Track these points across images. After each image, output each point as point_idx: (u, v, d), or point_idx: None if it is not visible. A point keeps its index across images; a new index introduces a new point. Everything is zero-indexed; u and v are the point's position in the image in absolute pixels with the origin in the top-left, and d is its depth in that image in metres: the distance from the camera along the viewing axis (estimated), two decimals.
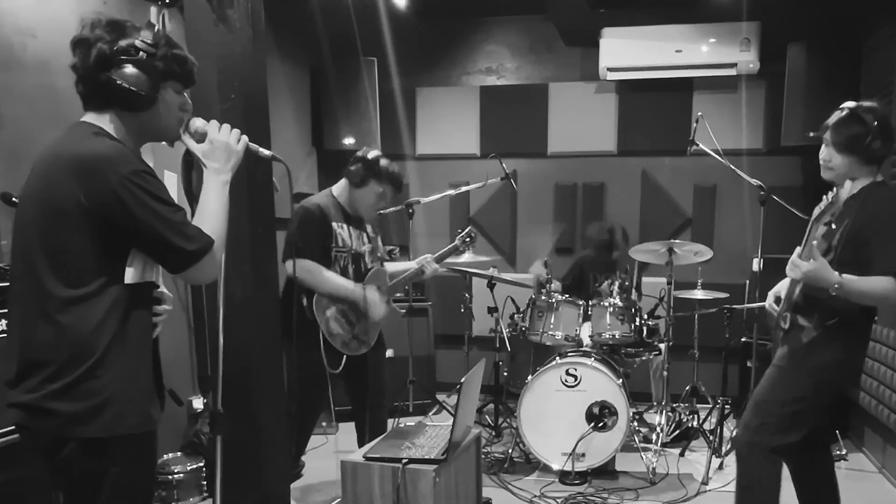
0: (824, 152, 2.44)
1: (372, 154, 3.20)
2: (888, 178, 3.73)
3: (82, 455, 1.59)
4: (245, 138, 1.87)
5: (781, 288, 2.58)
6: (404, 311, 3.50)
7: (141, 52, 1.63)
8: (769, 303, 2.63)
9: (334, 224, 3.15)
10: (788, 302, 2.47)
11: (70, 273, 1.58)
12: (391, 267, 3.48)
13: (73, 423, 1.57)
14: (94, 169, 1.56)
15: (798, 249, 2.35)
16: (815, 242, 2.25)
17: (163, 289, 1.81)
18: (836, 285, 2.23)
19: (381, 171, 3.18)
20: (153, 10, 3.32)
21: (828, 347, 2.37)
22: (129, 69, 1.62)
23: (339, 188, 3.27)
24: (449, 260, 4.44)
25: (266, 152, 1.98)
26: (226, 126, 1.85)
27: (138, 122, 1.70)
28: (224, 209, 1.79)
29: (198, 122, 1.82)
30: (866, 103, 2.39)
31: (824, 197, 2.31)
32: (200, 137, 1.81)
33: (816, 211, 2.35)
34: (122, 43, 1.62)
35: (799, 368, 2.41)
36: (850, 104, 2.40)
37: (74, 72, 1.66)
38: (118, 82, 1.61)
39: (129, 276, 1.63)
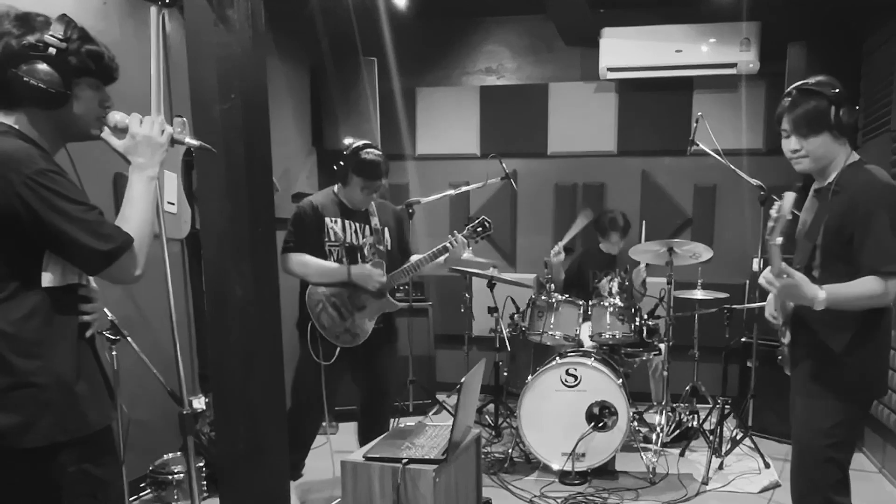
0: (792, 143, 2.22)
1: (349, 148, 3.22)
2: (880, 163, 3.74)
3: (31, 465, 1.55)
4: (169, 129, 1.79)
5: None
6: (402, 304, 3.44)
7: (50, 48, 1.56)
8: (769, 312, 2.46)
9: (327, 219, 3.23)
10: (785, 313, 2.32)
11: None
12: (415, 259, 3.43)
13: (10, 435, 1.52)
14: None
15: (769, 268, 2.08)
16: (781, 262, 2.00)
17: (93, 285, 1.74)
18: (819, 300, 2.02)
19: (361, 167, 3.18)
20: (153, 10, 3.31)
21: (847, 366, 2.15)
22: (39, 65, 1.55)
23: (341, 185, 3.32)
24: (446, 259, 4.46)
25: (194, 142, 1.90)
26: (148, 118, 1.76)
27: (51, 120, 1.62)
28: (150, 207, 1.72)
29: (117, 116, 1.73)
30: (816, 77, 2.20)
31: (770, 212, 2.00)
32: (121, 133, 1.73)
33: (769, 226, 2.03)
34: (31, 38, 1.55)
35: (825, 395, 2.18)
36: (798, 84, 2.21)
37: None
38: (25, 79, 1.54)
39: (48, 279, 1.58)
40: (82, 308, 1.69)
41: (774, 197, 3.82)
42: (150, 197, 1.72)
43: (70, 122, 1.65)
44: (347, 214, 3.30)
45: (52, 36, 1.57)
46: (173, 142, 1.81)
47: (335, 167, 3.25)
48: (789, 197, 1.97)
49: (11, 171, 1.49)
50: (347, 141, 3.31)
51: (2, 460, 1.54)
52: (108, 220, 1.63)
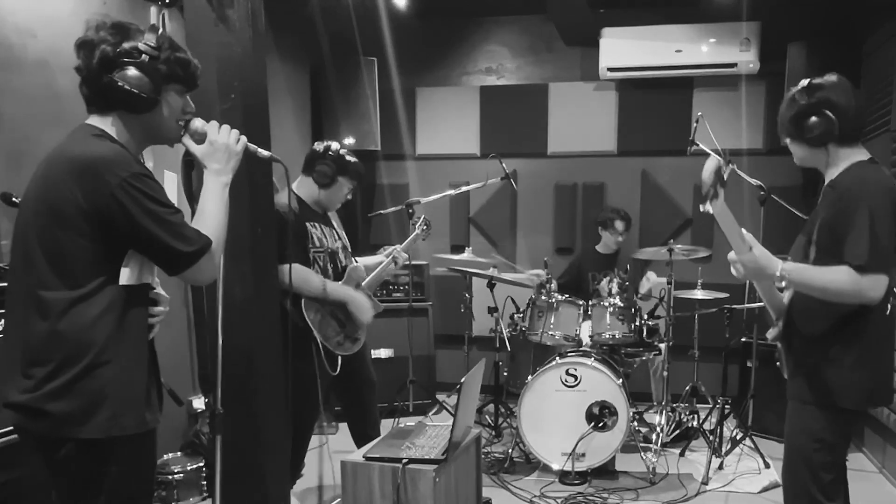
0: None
1: (333, 150, 3.15)
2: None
3: (79, 456, 1.59)
4: (244, 139, 1.88)
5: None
6: (382, 306, 3.43)
7: (143, 55, 1.64)
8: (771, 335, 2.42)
9: (308, 224, 3.09)
10: (778, 310, 2.28)
11: (68, 274, 1.59)
12: (363, 261, 3.42)
13: (67, 424, 1.57)
14: (93, 171, 1.57)
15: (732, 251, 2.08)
16: (744, 231, 2.02)
17: (159, 290, 1.81)
18: (779, 274, 2.00)
19: (348, 167, 3.15)
20: (153, 10, 3.31)
21: (837, 372, 2.10)
22: (132, 71, 1.63)
23: (302, 186, 3.17)
24: (449, 257, 4.47)
25: (265, 153, 1.98)
26: (225, 127, 1.85)
27: (140, 124, 1.71)
28: (224, 210, 1.80)
29: (197, 123, 1.82)
30: (816, 80, 2.15)
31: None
32: (200, 138, 1.82)
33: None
34: (126, 45, 1.64)
35: (814, 400, 2.16)
36: (800, 84, 2.18)
37: (79, 73, 1.67)
38: (120, 84, 1.62)
39: (126, 277, 1.64)
40: (151, 311, 1.76)
41: (773, 196, 3.84)
42: (223, 202, 1.81)
43: (156, 126, 1.74)
44: (316, 217, 3.17)
45: (145, 44, 1.65)
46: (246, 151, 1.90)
47: (317, 168, 3.12)
48: (711, 161, 1.92)
49: (108, 174, 1.57)
50: (322, 144, 3.19)
51: (52, 450, 1.60)
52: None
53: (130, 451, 1.65)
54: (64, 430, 1.57)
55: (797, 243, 2.29)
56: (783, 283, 2.04)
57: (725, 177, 1.93)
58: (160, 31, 1.70)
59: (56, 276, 1.59)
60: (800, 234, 2.30)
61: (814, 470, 2.18)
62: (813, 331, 2.16)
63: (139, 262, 1.66)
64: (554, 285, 4.28)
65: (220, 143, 1.82)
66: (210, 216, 1.76)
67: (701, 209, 1.95)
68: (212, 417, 2.14)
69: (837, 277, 2.00)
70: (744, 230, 2.02)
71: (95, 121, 1.69)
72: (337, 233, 3.29)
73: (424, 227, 3.66)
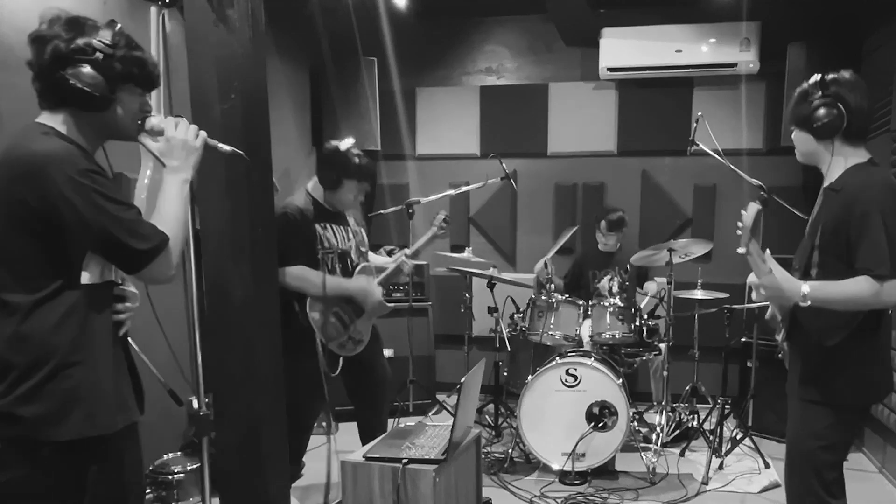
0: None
1: (340, 151, 3.10)
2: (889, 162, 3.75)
3: (58, 458, 1.57)
4: (203, 134, 1.82)
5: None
6: (392, 305, 3.42)
7: (97, 53, 1.59)
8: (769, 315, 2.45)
9: (317, 226, 3.09)
10: (783, 311, 2.29)
11: (25, 276, 1.55)
12: (373, 261, 3.43)
13: (41, 426, 1.55)
14: (40, 170, 1.52)
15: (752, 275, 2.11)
16: (767, 254, 2.04)
17: (126, 286, 1.77)
18: (803, 293, 2.00)
19: (352, 169, 3.10)
20: (153, 10, 3.31)
21: (839, 370, 2.11)
22: (85, 69, 1.58)
23: (315, 186, 3.18)
24: (450, 255, 4.46)
25: (226, 147, 1.91)
26: (183, 122, 1.79)
27: (94, 121, 1.66)
28: (184, 209, 1.75)
29: (154, 120, 1.76)
30: (831, 74, 2.18)
31: (738, 223, 2.05)
32: (157, 135, 1.76)
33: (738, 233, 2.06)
34: (79, 42, 1.58)
35: (817, 398, 2.16)
36: (813, 78, 2.20)
37: (30, 68, 1.63)
38: (71, 82, 1.57)
39: (87, 277, 1.61)
40: (116, 307, 1.72)
41: (773, 196, 3.83)
42: (183, 200, 1.75)
43: (111, 124, 1.69)
44: (329, 218, 3.16)
45: (99, 41, 1.60)
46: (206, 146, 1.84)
47: (321, 171, 3.13)
48: (752, 209, 2.00)
49: (56, 172, 1.52)
50: (332, 143, 3.17)
51: (30, 454, 1.57)
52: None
53: (111, 449, 1.63)
54: (38, 432, 1.55)
55: (801, 246, 2.28)
56: (807, 303, 2.03)
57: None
58: (118, 27, 1.64)
59: (14, 280, 1.55)
60: (805, 238, 2.28)
61: (818, 469, 2.18)
62: (819, 332, 2.14)
63: (100, 260, 1.63)
64: (555, 285, 4.28)
65: (178, 140, 1.75)
66: (168, 214, 1.71)
67: (738, 251, 2.02)
68: (196, 421, 2.10)
69: (859, 289, 2.00)
70: (768, 251, 2.04)
71: (46, 118, 1.64)
72: (353, 230, 3.28)
73: (444, 226, 3.49)
